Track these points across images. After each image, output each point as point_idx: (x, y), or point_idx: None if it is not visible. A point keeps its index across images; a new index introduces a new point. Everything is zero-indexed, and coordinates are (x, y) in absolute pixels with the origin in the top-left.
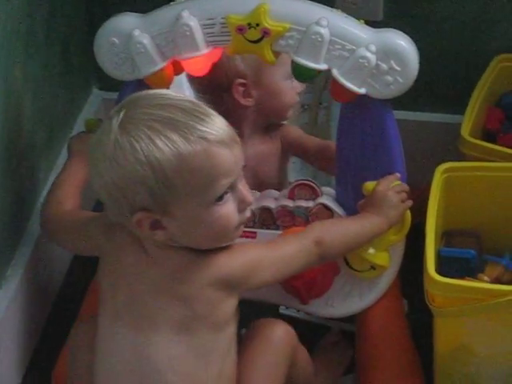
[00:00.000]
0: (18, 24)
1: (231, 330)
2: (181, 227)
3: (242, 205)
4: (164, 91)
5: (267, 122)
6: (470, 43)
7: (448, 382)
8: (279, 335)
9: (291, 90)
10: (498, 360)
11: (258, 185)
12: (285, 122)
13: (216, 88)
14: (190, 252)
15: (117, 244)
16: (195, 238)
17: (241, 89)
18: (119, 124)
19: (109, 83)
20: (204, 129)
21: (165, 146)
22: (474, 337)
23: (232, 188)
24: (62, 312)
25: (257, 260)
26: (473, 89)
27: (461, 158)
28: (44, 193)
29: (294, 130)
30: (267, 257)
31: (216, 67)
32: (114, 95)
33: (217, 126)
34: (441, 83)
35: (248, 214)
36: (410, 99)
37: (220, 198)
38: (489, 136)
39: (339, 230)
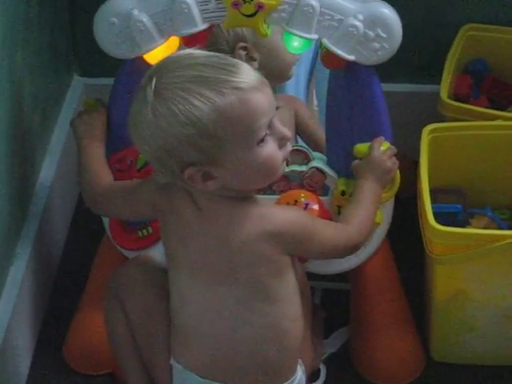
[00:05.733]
0: (17, 8)
1: (292, 274)
2: (230, 174)
3: (282, 141)
4: (187, 51)
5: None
6: (438, 15)
7: (445, 328)
8: None
9: None
10: (493, 303)
11: None
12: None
13: None
14: (241, 204)
15: (175, 202)
16: (246, 181)
17: (243, 53)
18: (154, 91)
19: (89, 70)
20: (235, 79)
21: (202, 104)
22: (471, 282)
23: (270, 128)
24: (66, 281)
25: (311, 227)
26: (443, 59)
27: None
28: (42, 173)
29: (304, 108)
30: (320, 231)
31: (214, 37)
32: (94, 81)
33: (245, 73)
34: (414, 55)
35: (289, 148)
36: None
37: (261, 141)
38: (460, 101)
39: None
